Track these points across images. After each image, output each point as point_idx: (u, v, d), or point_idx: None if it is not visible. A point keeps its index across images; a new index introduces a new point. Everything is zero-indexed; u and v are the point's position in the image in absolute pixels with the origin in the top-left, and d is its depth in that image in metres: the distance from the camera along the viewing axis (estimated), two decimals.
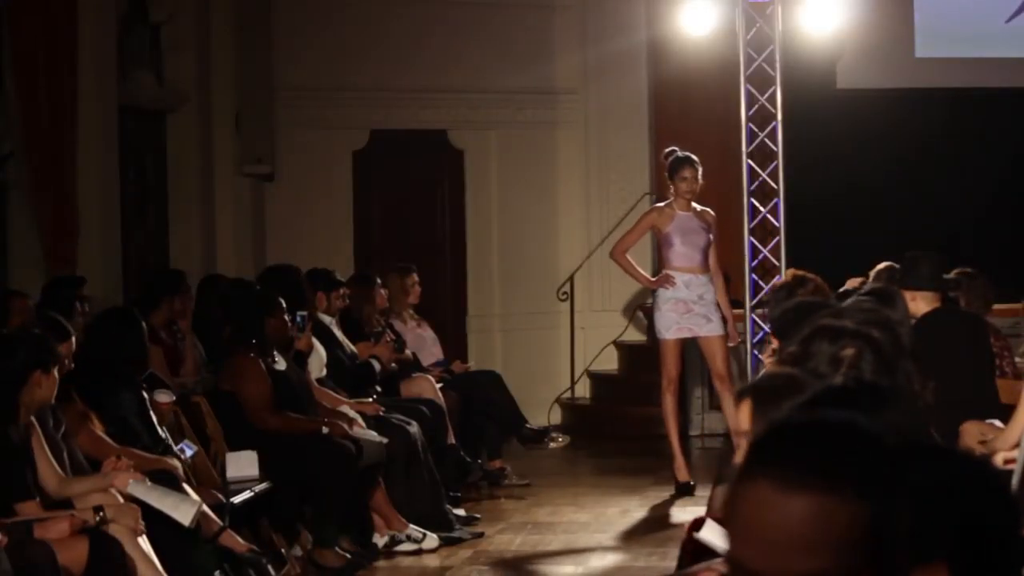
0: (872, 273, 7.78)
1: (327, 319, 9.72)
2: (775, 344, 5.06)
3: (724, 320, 10.29)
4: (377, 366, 9.81)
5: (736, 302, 12.01)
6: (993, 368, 7.36)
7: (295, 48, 13.55)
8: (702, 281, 10.20)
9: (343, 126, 13.74)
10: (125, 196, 11.48)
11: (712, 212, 10.30)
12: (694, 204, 10.21)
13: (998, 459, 6.08)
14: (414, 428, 9.06)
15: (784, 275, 6.37)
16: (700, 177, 10.14)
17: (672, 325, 10.19)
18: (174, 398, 7.78)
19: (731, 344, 10.44)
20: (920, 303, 7.18)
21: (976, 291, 8.10)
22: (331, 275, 9.99)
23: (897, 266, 6.96)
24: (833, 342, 3.62)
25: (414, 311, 11.22)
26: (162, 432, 7.28)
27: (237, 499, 7.36)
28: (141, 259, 12.05)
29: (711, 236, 10.23)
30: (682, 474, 10.20)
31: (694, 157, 10.17)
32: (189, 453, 7.45)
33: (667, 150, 10.32)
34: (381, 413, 9.11)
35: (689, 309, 10.16)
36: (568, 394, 13.89)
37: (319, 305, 9.65)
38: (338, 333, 9.79)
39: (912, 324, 7.41)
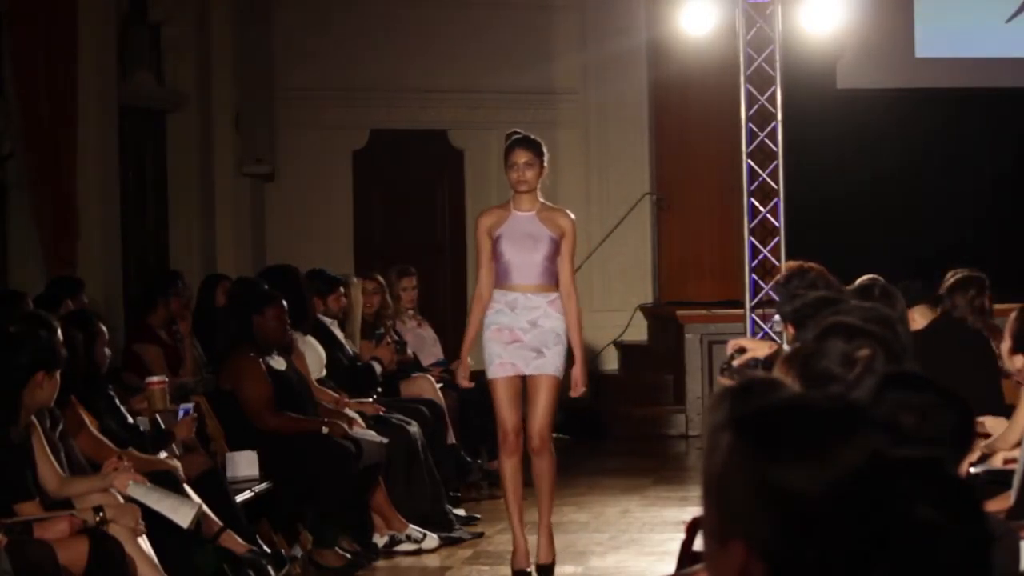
0: (856, 285, 7.77)
1: (328, 320, 9.70)
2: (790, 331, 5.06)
3: (569, 358, 7.76)
4: (378, 368, 9.80)
5: (736, 302, 12.01)
6: (996, 379, 7.32)
7: (295, 48, 13.55)
8: (535, 303, 7.62)
9: (343, 126, 13.75)
10: (125, 196, 11.48)
11: (570, 215, 7.79)
12: (543, 202, 7.76)
13: (998, 459, 6.09)
14: (414, 428, 9.07)
15: (784, 266, 6.34)
16: (544, 164, 7.72)
17: (494, 359, 7.66)
18: (166, 380, 7.86)
19: (574, 394, 7.88)
20: (916, 317, 7.20)
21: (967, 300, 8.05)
22: (325, 276, 9.89)
23: (880, 279, 6.95)
24: (848, 341, 3.58)
25: (414, 311, 11.22)
26: (144, 427, 7.34)
27: (237, 499, 7.39)
28: (141, 259, 12.06)
29: (560, 245, 7.68)
30: (519, 560, 7.74)
31: (534, 138, 7.81)
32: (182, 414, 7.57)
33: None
34: (381, 413, 9.12)
35: (515, 338, 7.62)
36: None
37: (317, 308, 9.63)
38: (339, 335, 9.76)
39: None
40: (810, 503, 1.72)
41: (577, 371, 7.72)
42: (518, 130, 7.95)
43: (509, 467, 7.73)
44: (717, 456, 1.81)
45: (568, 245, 7.68)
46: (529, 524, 9.24)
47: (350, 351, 9.76)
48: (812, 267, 5.98)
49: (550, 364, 7.63)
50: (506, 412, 7.70)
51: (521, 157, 7.69)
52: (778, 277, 6.19)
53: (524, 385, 7.72)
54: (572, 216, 7.79)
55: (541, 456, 7.71)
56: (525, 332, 7.61)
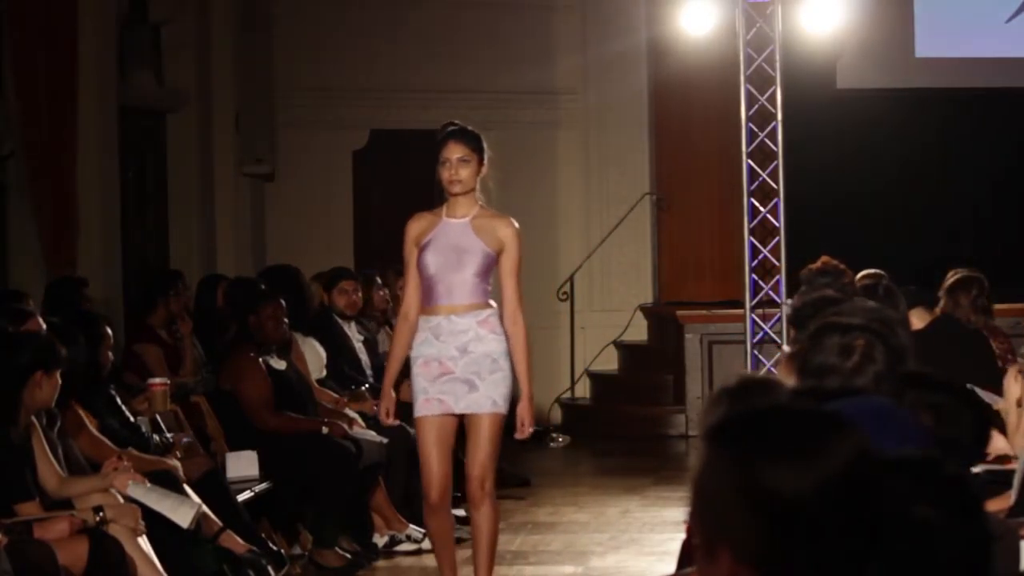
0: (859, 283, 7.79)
1: (341, 321, 9.64)
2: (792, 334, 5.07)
3: (511, 393, 6.55)
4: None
5: (736, 302, 12.01)
6: (996, 378, 7.32)
7: (295, 48, 13.56)
8: (462, 325, 6.40)
9: (343, 126, 13.75)
10: (125, 196, 11.48)
11: (514, 224, 6.58)
12: (482, 206, 6.67)
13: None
14: (414, 428, 9.04)
15: (821, 259, 6.27)
16: (483, 161, 6.74)
17: (419, 396, 6.47)
18: (168, 382, 7.88)
19: (520, 436, 6.54)
20: (913, 320, 7.21)
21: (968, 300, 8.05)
22: (335, 269, 9.95)
23: (883, 273, 6.95)
24: (843, 335, 3.60)
25: None
26: (144, 427, 7.34)
27: (238, 499, 7.39)
28: (141, 259, 12.05)
29: (499, 260, 6.50)
30: None
31: (471, 130, 6.83)
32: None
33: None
34: (375, 409, 9.07)
35: (444, 370, 6.39)
36: (568, 394, 13.89)
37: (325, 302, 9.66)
38: (354, 336, 9.66)
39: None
40: (798, 504, 1.72)
41: (523, 409, 6.49)
42: (455, 121, 6.92)
43: (435, 524, 6.51)
44: (699, 467, 1.82)
45: (510, 260, 6.46)
46: (529, 524, 9.23)
47: (364, 358, 9.64)
48: (847, 272, 5.97)
49: (484, 399, 6.38)
50: (432, 458, 6.41)
51: (455, 152, 6.67)
52: (812, 265, 6.15)
53: (460, 424, 6.51)
54: (516, 225, 6.56)
55: (481, 508, 6.42)
56: (455, 361, 6.38)
